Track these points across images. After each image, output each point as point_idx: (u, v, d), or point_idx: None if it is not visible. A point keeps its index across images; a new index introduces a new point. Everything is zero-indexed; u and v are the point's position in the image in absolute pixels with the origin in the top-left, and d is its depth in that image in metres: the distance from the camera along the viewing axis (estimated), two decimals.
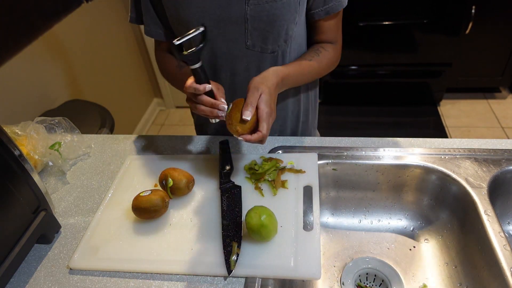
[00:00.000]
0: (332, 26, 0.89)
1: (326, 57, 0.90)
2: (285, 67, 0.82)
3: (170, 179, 0.79)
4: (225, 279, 0.67)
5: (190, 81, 0.71)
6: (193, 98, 0.73)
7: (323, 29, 0.89)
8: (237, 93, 0.93)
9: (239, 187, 0.82)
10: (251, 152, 0.94)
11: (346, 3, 0.85)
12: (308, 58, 0.88)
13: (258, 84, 0.72)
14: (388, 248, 0.89)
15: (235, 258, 0.68)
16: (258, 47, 0.85)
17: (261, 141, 0.71)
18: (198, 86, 0.70)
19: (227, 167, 0.86)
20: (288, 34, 0.84)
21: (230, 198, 0.80)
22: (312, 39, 0.93)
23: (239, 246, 0.70)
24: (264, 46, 0.85)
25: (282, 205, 0.77)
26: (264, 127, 0.69)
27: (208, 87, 0.71)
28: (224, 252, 0.70)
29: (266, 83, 0.74)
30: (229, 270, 0.66)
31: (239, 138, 0.70)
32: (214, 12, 0.79)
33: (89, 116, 1.67)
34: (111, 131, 1.64)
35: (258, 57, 0.87)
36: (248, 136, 0.70)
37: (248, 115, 0.69)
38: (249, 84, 0.73)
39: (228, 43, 0.84)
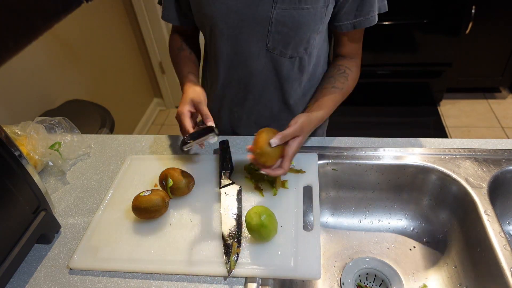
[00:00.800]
0: (356, 40, 0.89)
1: (353, 80, 0.91)
2: (324, 110, 0.84)
3: (170, 179, 0.79)
4: (225, 279, 0.67)
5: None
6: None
7: (347, 42, 0.89)
8: (252, 93, 0.94)
9: (239, 187, 0.82)
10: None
11: (376, 21, 0.83)
12: (340, 86, 0.88)
13: (302, 128, 0.76)
14: (388, 248, 0.89)
15: (235, 258, 0.68)
16: (278, 50, 0.85)
17: (281, 174, 0.75)
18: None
19: (227, 167, 0.86)
20: (310, 43, 0.84)
21: (230, 198, 0.80)
22: (335, 50, 0.94)
23: (239, 246, 0.70)
24: (284, 50, 0.85)
25: (282, 205, 0.77)
26: (286, 165, 0.74)
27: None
28: (224, 252, 0.70)
29: (307, 128, 0.79)
30: (229, 270, 0.66)
31: (262, 171, 0.74)
32: (239, 10, 0.80)
33: (89, 116, 1.67)
34: (111, 131, 1.64)
35: (276, 60, 0.87)
36: (269, 170, 0.73)
37: (275, 143, 0.72)
38: (296, 120, 0.76)
39: (249, 42, 0.84)
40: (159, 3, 0.95)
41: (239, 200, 0.79)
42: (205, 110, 0.79)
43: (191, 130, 0.77)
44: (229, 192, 0.81)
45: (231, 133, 1.05)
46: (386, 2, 0.84)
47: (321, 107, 0.85)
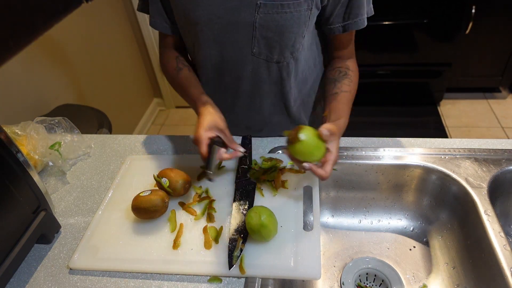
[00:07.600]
0: (349, 42, 0.90)
1: (356, 80, 0.91)
2: (344, 118, 0.81)
3: (165, 179, 0.78)
4: (225, 279, 0.67)
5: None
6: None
7: (341, 44, 0.89)
8: (242, 98, 0.94)
9: (254, 183, 0.83)
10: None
11: (365, 25, 0.84)
12: (348, 89, 0.87)
13: (336, 134, 0.72)
14: (388, 248, 0.89)
15: (238, 254, 0.68)
16: (264, 55, 0.84)
17: (322, 178, 0.71)
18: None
19: (245, 163, 0.86)
20: (295, 47, 0.83)
21: (243, 193, 0.80)
22: (330, 53, 0.94)
23: (243, 242, 0.70)
24: (270, 55, 0.84)
25: (282, 205, 0.77)
26: (328, 169, 0.70)
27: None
28: (228, 246, 0.70)
29: (339, 134, 0.75)
30: (230, 265, 0.67)
31: (305, 165, 0.69)
32: (223, 16, 0.79)
33: (85, 120, 1.64)
34: (109, 133, 1.63)
35: (263, 65, 0.87)
36: (314, 167, 0.70)
37: (326, 134, 0.68)
38: (330, 128, 0.71)
39: (234, 48, 0.84)
40: (139, 9, 0.92)
41: (251, 197, 0.80)
42: (230, 136, 0.79)
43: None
44: (244, 188, 0.81)
45: None
46: (372, 6, 0.85)
47: (339, 115, 0.82)
